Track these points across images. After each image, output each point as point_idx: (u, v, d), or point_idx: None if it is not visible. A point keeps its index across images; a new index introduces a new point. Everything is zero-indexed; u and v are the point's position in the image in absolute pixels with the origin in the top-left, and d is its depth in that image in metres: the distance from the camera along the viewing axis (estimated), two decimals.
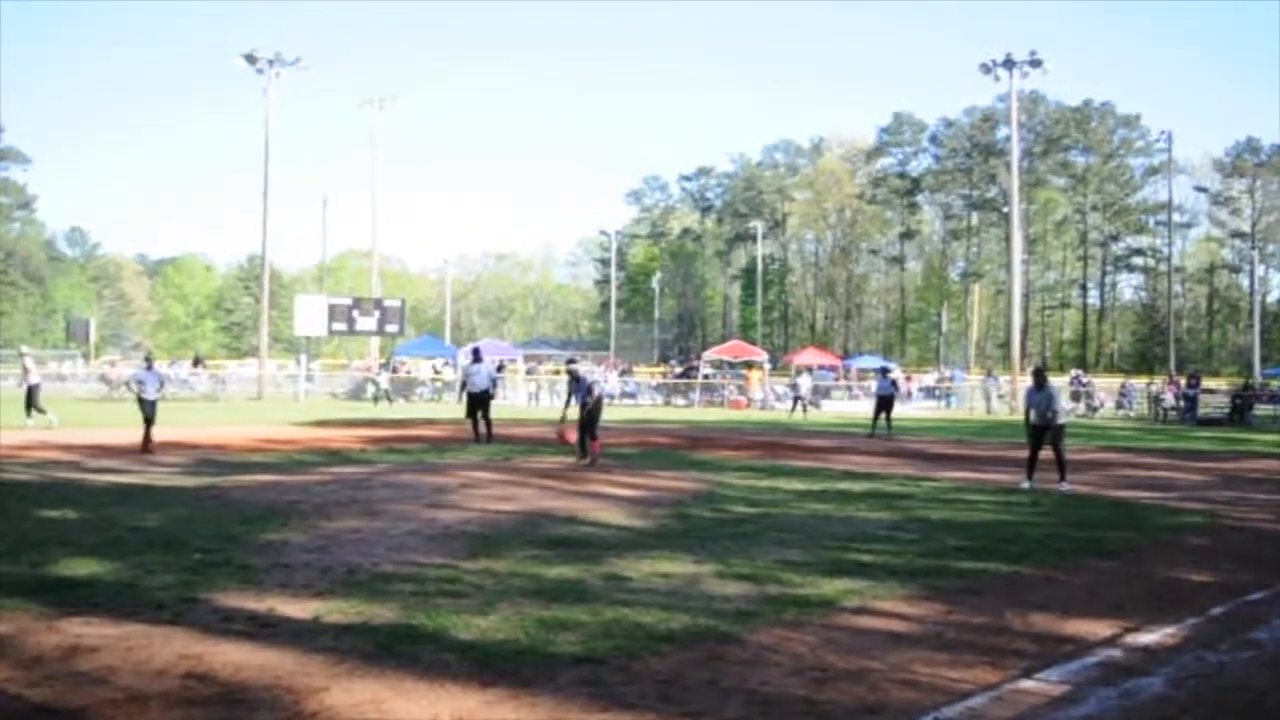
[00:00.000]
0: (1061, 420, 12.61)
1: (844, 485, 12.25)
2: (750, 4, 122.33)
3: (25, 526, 8.21)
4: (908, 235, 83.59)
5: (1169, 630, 5.61)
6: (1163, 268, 69.96)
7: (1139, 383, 40.45)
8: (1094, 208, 77.00)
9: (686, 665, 4.73)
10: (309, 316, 39.40)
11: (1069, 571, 7.24)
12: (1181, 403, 32.80)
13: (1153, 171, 74.20)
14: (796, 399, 31.42)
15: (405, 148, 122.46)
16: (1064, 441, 12.70)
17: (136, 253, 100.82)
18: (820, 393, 37.39)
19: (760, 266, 75.66)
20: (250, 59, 39.09)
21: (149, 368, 16.93)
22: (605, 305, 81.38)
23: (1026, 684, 4.61)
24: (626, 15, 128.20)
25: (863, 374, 43.68)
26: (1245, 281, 71.96)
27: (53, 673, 4.45)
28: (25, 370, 21.01)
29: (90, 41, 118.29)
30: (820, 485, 12.16)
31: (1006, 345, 49.11)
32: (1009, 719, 4.18)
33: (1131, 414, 35.54)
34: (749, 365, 44.21)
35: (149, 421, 15.36)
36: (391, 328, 41.83)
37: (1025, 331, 67.05)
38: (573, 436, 14.12)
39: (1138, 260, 78.10)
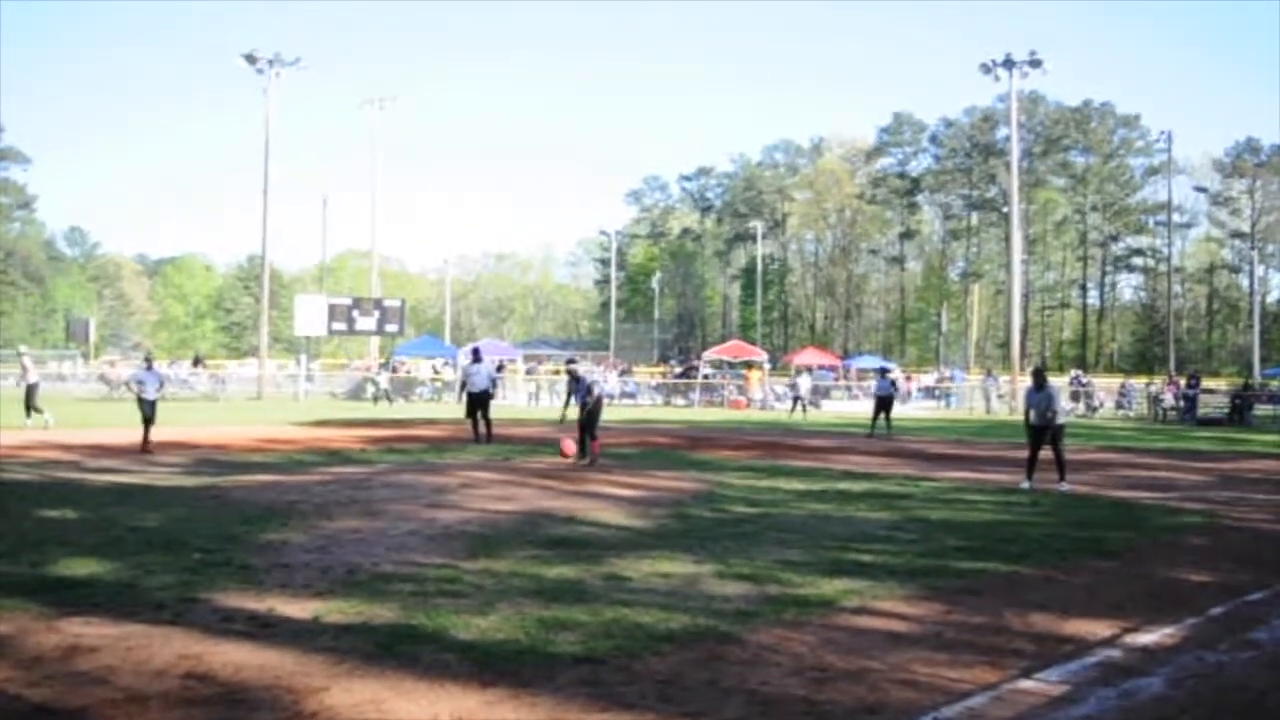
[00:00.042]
0: (1061, 420, 12.61)
1: (844, 485, 12.25)
2: (750, 4, 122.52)
3: (25, 526, 8.22)
4: (907, 235, 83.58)
5: (1168, 630, 5.61)
6: (1162, 268, 69.96)
7: (1139, 383, 40.46)
8: (1094, 208, 77.00)
9: (686, 665, 4.74)
10: (309, 316, 39.41)
11: (1068, 571, 7.25)
12: (1181, 403, 32.81)
13: (1152, 172, 74.20)
14: (796, 399, 31.43)
15: (405, 148, 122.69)
16: (1064, 441, 12.71)
17: (136, 253, 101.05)
18: (820, 393, 37.40)
19: (760, 266, 75.68)
20: (250, 59, 39.10)
21: (149, 368, 16.93)
22: (605, 305, 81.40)
23: (1026, 684, 4.61)
24: (626, 15, 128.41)
25: (862, 374, 43.69)
26: (1245, 282, 72.00)
27: (52, 673, 4.45)
28: (24, 370, 21.03)
29: (90, 41, 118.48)
30: (820, 485, 12.16)
31: (1006, 345, 49.13)
32: (1008, 719, 4.18)
33: (1131, 414, 35.55)
34: (749, 365, 44.21)
35: (149, 421, 15.36)
36: (391, 328, 41.85)
37: (1025, 331, 67.06)
38: (572, 448, 13.95)
39: (1137, 260, 78.10)
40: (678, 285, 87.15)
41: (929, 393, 41.72)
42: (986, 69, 38.26)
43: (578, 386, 14.49)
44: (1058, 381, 25.10)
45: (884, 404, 22.93)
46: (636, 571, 6.80)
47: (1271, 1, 76.44)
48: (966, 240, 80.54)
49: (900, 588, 6.51)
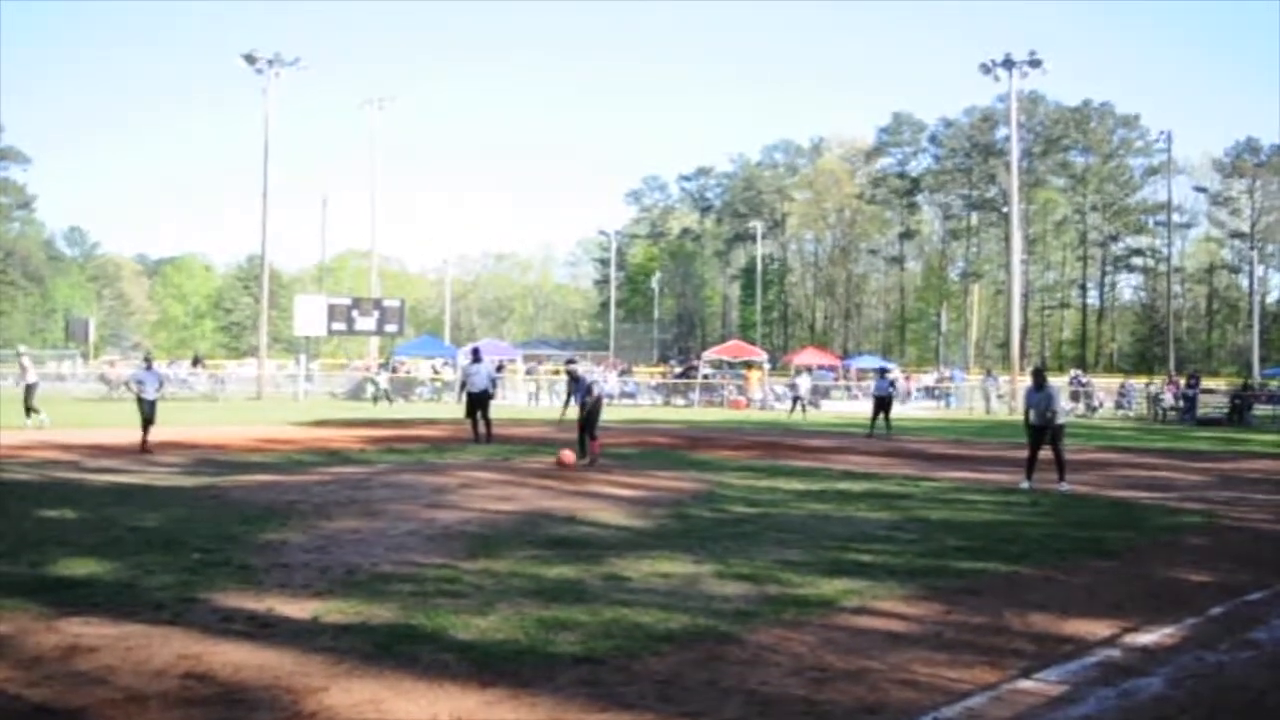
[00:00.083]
0: (1061, 420, 12.61)
1: (843, 485, 12.25)
2: (750, 4, 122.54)
3: (25, 526, 8.21)
4: (907, 235, 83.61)
5: (1168, 630, 5.61)
6: (1162, 268, 69.98)
7: (1138, 383, 40.48)
8: (1093, 208, 77.02)
9: (686, 665, 4.73)
10: (308, 316, 39.41)
11: (1068, 571, 7.25)
12: (1181, 403, 32.82)
13: (1152, 172, 74.23)
14: (796, 399, 31.42)
15: (405, 148, 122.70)
16: (1063, 442, 12.71)
17: (136, 253, 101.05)
18: (819, 393, 37.40)
19: (760, 266, 75.70)
20: (250, 59, 39.10)
21: (148, 368, 16.92)
22: (605, 305, 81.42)
23: (1025, 684, 4.61)
24: (626, 15, 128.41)
25: (862, 374, 43.70)
26: (1244, 282, 72.02)
27: (52, 673, 4.45)
28: (23, 369, 21.03)
29: (90, 41, 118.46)
30: (820, 485, 12.16)
31: (1006, 345, 49.14)
32: (1008, 719, 4.18)
33: (1131, 414, 35.56)
34: (748, 365, 44.22)
35: (149, 422, 15.36)
36: (391, 328, 41.84)
37: (1025, 331, 67.07)
38: (570, 458, 13.68)
39: (1137, 260, 78.12)
40: (677, 285, 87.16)
41: (929, 393, 41.72)
42: (986, 69, 38.28)
43: (577, 386, 14.48)
44: (1057, 381, 25.10)
45: (883, 404, 22.94)
46: (636, 571, 6.80)
47: (1272, 1, 76.54)
48: (966, 240, 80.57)
49: (900, 588, 6.51)
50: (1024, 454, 12.80)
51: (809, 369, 43.03)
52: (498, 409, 20.22)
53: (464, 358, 33.36)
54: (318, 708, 4.07)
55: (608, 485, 11.46)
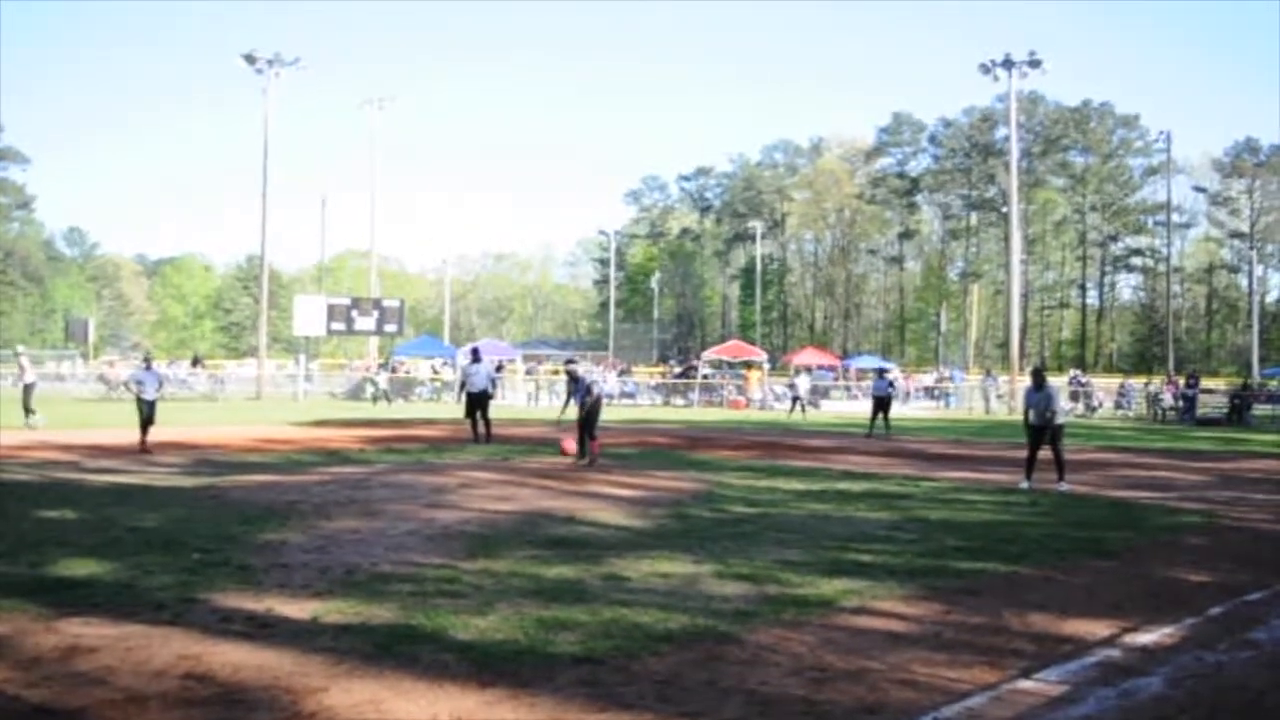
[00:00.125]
0: (1060, 420, 12.62)
1: (843, 485, 12.25)
2: (750, 4, 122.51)
3: (24, 527, 8.21)
4: (907, 235, 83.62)
5: (1167, 630, 5.61)
6: (1161, 268, 69.97)
7: (1138, 383, 40.49)
8: (1093, 208, 77.03)
9: (685, 665, 4.73)
10: (308, 316, 39.40)
11: (1068, 571, 7.25)
12: (1180, 403, 32.84)
13: (1151, 172, 74.23)
14: (795, 399, 31.43)
15: (405, 148, 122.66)
16: (1063, 442, 12.71)
17: (135, 253, 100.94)
18: (819, 393, 37.41)
19: (759, 266, 75.69)
20: (250, 59, 39.08)
21: (148, 368, 16.91)
22: (604, 305, 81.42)
23: (1025, 684, 4.61)
24: (626, 15, 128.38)
25: (861, 374, 43.71)
26: (1244, 281, 72.04)
27: (51, 673, 4.45)
28: (21, 369, 21.02)
29: (90, 41, 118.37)
30: (819, 485, 12.16)
31: (1005, 345, 49.15)
32: (1007, 719, 4.18)
33: (1130, 414, 35.57)
34: (748, 365, 44.22)
35: (149, 422, 15.36)
36: (390, 328, 41.82)
37: (1024, 331, 67.08)
38: (572, 447, 14.01)
39: (1136, 260, 78.15)
40: (677, 285, 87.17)
41: (928, 393, 41.72)
42: (986, 69, 38.29)
43: (577, 387, 14.49)
44: (1057, 381, 25.11)
45: (882, 404, 22.95)
46: (635, 571, 6.80)
47: (1271, 1, 76.58)
48: (966, 240, 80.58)
49: (899, 588, 6.51)
50: (1023, 454, 12.81)
51: (808, 369, 43.05)
52: (497, 409, 20.22)
53: (463, 358, 33.34)
54: (317, 708, 4.07)
55: (607, 485, 11.46)
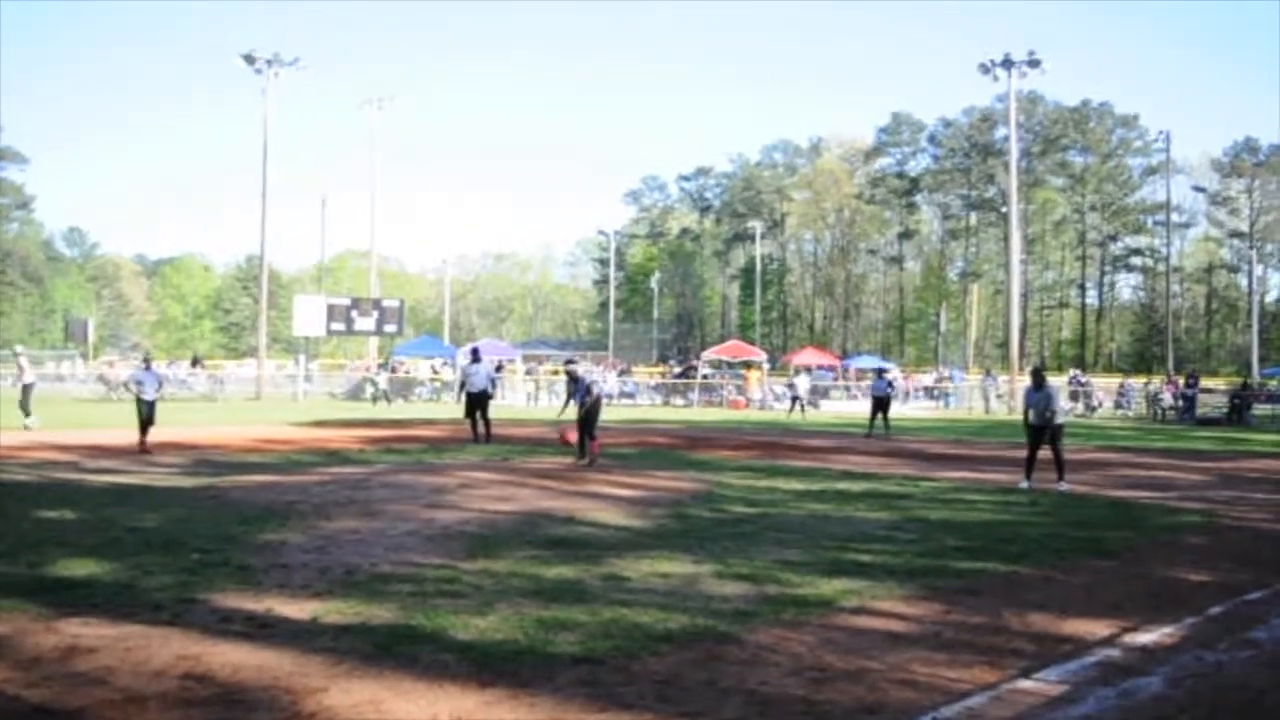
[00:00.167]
0: (1060, 420, 12.62)
1: (842, 485, 12.25)
2: (750, 4, 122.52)
3: (23, 527, 8.20)
4: (906, 235, 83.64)
5: (1167, 630, 5.61)
6: (1161, 268, 69.99)
7: (1137, 382, 40.50)
8: (1092, 208, 77.04)
9: (685, 665, 4.73)
10: (307, 317, 39.39)
11: (1067, 571, 7.25)
12: (1180, 402, 32.84)
13: (1151, 171, 74.24)
14: (794, 399, 31.43)
15: (405, 148, 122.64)
16: (1062, 441, 12.71)
17: (135, 253, 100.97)
18: (818, 393, 37.41)
19: (759, 266, 75.67)
20: (249, 59, 39.07)
21: (147, 368, 16.90)
22: (604, 305, 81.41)
23: (1025, 684, 4.61)
24: (626, 15, 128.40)
25: (861, 374, 43.70)
26: (1243, 281, 72.06)
27: (51, 673, 4.45)
28: (20, 370, 21.02)
29: (90, 41, 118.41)
30: (819, 485, 12.16)
31: (1005, 345, 49.16)
32: (1007, 719, 4.18)
33: (1130, 414, 35.58)
34: (747, 365, 44.21)
35: (148, 422, 15.35)
36: (390, 328, 41.82)
37: (1024, 331, 67.06)
38: (573, 436, 14.17)
39: (1136, 260, 78.17)
40: (676, 285, 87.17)
41: (928, 393, 41.72)
42: (985, 69, 38.29)
43: (576, 387, 14.49)
44: (1056, 381, 25.11)
45: (881, 404, 22.96)
46: (635, 571, 6.80)
47: (1271, 1, 76.60)
48: (965, 240, 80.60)
49: (899, 588, 6.51)
50: (1023, 454, 12.81)
51: (808, 369, 43.04)
52: (497, 409, 20.22)
53: (463, 358, 33.33)
54: (317, 708, 4.07)
55: (607, 485, 11.46)
